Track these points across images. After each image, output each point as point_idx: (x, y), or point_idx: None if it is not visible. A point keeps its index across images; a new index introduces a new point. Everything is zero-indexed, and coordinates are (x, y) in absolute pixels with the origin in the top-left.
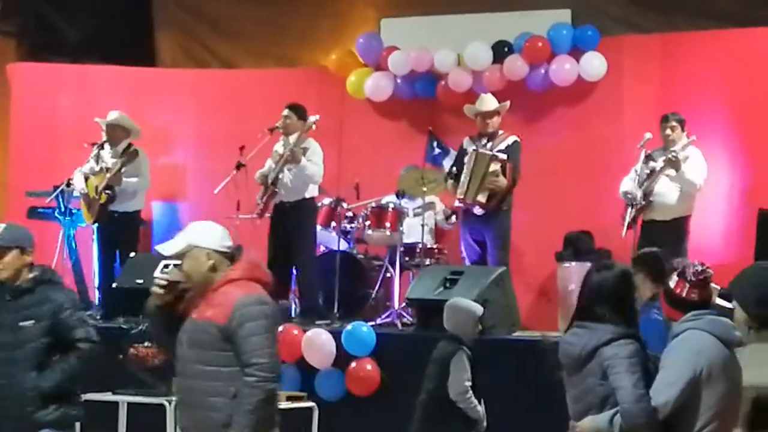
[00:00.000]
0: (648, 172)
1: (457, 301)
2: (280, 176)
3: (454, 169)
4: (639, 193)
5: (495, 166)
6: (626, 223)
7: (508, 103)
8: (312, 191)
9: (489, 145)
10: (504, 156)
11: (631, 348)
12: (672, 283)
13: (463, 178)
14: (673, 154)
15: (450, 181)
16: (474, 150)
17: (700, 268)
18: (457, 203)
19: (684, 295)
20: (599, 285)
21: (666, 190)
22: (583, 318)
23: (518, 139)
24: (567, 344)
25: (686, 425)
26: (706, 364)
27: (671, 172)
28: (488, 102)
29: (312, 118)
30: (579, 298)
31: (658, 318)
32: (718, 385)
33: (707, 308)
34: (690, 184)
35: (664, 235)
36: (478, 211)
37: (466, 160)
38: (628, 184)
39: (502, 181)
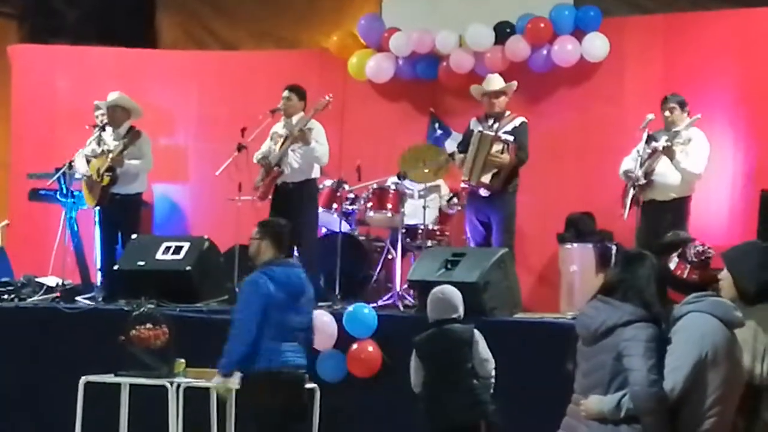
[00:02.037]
0: (650, 152)
1: (444, 289)
2: (285, 157)
3: (457, 150)
4: (640, 173)
5: (497, 146)
6: (627, 204)
7: (515, 83)
8: (315, 172)
9: (496, 126)
10: (511, 137)
11: (650, 332)
12: (672, 265)
13: (467, 159)
14: (666, 144)
15: (459, 156)
16: (479, 132)
17: (700, 249)
18: (462, 185)
19: (685, 276)
20: (636, 268)
21: (667, 171)
22: (608, 294)
23: (525, 120)
24: (586, 317)
25: (692, 408)
26: (711, 347)
27: (665, 160)
28: (495, 81)
29: (325, 98)
30: (609, 275)
31: (259, 280)
32: (722, 368)
33: (707, 289)
34: (689, 174)
35: (664, 216)
36: (483, 192)
37: (471, 141)
38: (629, 163)
39: (505, 158)
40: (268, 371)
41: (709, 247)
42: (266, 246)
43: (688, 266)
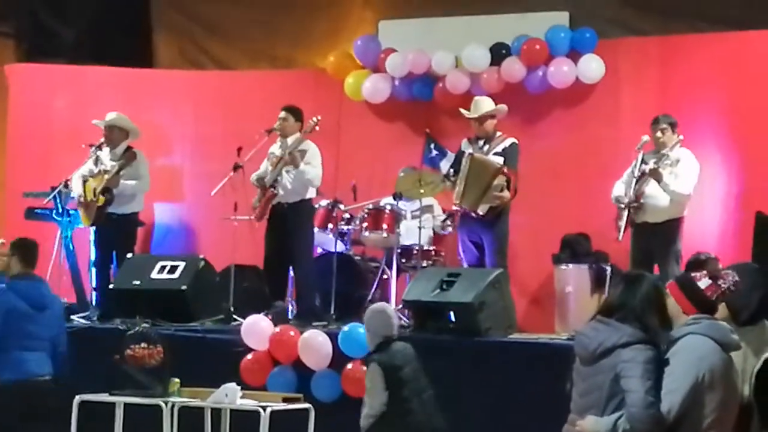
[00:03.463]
0: (639, 174)
1: (387, 306)
2: (279, 178)
3: (452, 171)
4: (632, 195)
5: (500, 180)
6: (622, 227)
7: (503, 106)
8: (310, 193)
9: (486, 147)
10: (501, 159)
11: (649, 354)
12: (702, 285)
13: (458, 182)
14: (652, 166)
15: (449, 182)
16: (470, 154)
17: (738, 279)
18: (454, 207)
19: (714, 298)
20: (636, 290)
21: (657, 193)
22: (607, 316)
23: (516, 141)
24: (585, 337)
25: (688, 430)
26: (708, 369)
27: (654, 183)
28: (479, 106)
29: (313, 120)
30: (609, 296)
31: (1, 295)
32: (718, 390)
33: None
34: (677, 195)
35: (657, 237)
36: (475, 214)
37: (462, 163)
38: (620, 188)
39: (506, 197)
40: (12, 380)
41: (738, 279)
42: (15, 262)
43: (720, 291)
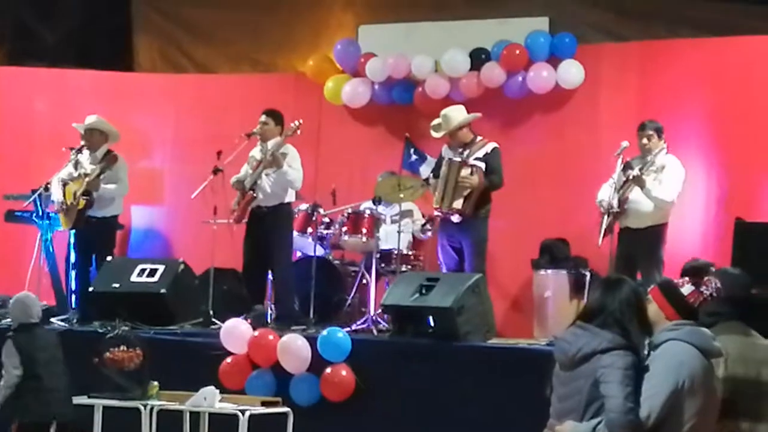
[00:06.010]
0: (624, 180)
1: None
2: (259, 181)
3: (431, 176)
4: (614, 201)
5: (465, 171)
6: (602, 231)
7: (474, 115)
8: (290, 196)
9: (466, 152)
10: (481, 164)
11: (628, 360)
12: (685, 291)
13: (438, 187)
14: (636, 173)
15: (434, 182)
16: (448, 159)
17: (720, 286)
18: (435, 213)
19: (696, 305)
20: (616, 295)
21: (640, 198)
22: (587, 321)
23: (497, 146)
24: (565, 342)
25: None
26: (688, 375)
27: (637, 189)
28: (448, 122)
29: (295, 123)
30: (589, 300)
31: None
32: (698, 397)
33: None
34: (660, 201)
35: (639, 243)
36: (455, 218)
37: (441, 169)
38: (605, 191)
39: (474, 180)
40: None
41: (720, 286)
42: None
43: (702, 298)
